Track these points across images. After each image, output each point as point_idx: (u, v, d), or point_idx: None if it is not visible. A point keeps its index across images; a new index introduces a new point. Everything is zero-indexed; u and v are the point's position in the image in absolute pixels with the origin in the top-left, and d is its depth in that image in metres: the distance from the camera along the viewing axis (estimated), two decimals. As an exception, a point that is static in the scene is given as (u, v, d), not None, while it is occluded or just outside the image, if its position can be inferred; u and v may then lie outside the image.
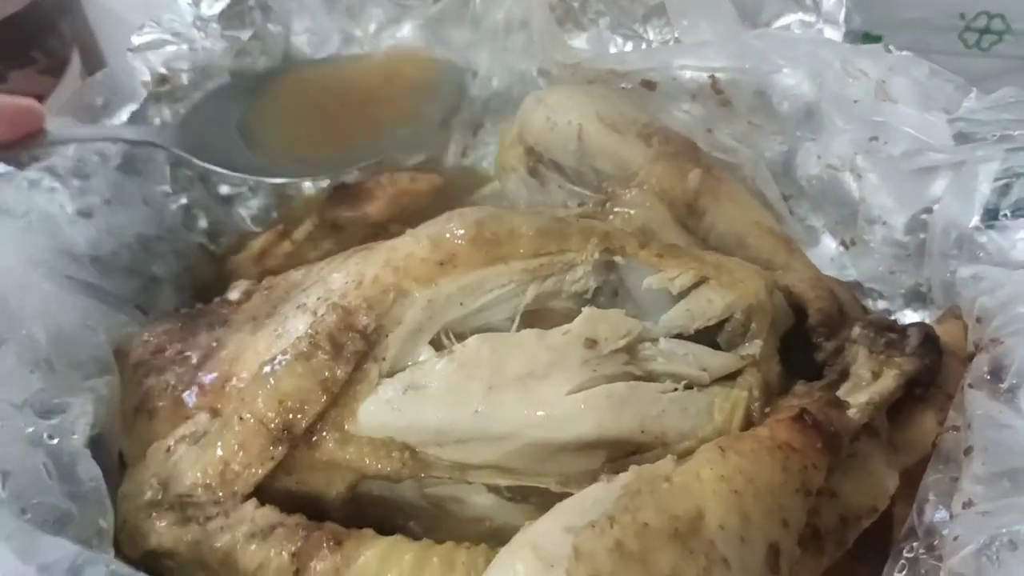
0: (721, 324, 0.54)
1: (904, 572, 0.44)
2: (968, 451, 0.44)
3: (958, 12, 0.98)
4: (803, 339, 0.59)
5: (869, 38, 0.92)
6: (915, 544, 0.45)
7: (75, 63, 1.03)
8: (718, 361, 0.53)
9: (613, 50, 0.73)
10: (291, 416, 0.50)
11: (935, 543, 0.44)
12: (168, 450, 0.52)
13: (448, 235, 0.54)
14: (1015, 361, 0.46)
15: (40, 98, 0.96)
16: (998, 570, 0.39)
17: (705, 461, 0.44)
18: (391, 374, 0.52)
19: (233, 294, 0.60)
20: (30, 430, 0.49)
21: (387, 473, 0.51)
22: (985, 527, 0.40)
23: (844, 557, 0.51)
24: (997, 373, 0.47)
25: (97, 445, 0.53)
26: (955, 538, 0.41)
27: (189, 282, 0.72)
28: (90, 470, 0.50)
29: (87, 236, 0.62)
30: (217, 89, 0.72)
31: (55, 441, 0.50)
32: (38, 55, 0.98)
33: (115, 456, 0.56)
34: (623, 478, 0.44)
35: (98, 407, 0.54)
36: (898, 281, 0.67)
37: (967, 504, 0.42)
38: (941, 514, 0.44)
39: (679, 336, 0.54)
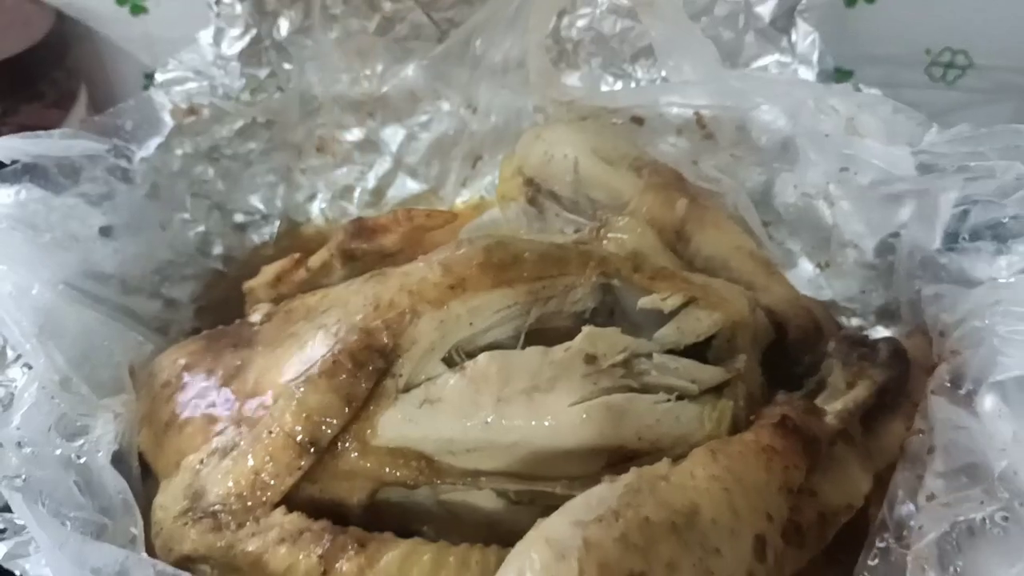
0: (708, 340, 0.59)
1: (876, 561, 0.49)
2: (931, 451, 0.49)
3: (924, 48, 1.04)
4: (784, 354, 0.64)
5: (841, 73, 0.99)
6: (886, 535, 0.49)
7: (82, 97, 1.08)
8: (706, 374, 0.58)
9: (604, 88, 0.78)
10: (317, 429, 0.54)
11: (904, 534, 0.48)
12: (201, 462, 0.56)
13: (458, 261, 0.59)
14: (971, 370, 0.51)
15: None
16: (958, 554, 0.44)
17: (698, 462, 0.49)
18: (407, 389, 0.56)
19: (254, 316, 0.65)
20: (58, 452, 0.54)
21: (404, 480, 0.55)
22: (946, 517, 0.45)
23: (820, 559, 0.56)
24: (956, 381, 0.52)
25: (118, 460, 0.57)
26: (920, 528, 0.46)
27: (205, 305, 0.76)
28: (117, 484, 0.54)
29: (109, 256, 0.66)
30: None
31: (83, 460, 0.55)
32: (47, 89, 1.03)
33: (135, 468, 0.60)
34: (625, 478, 0.49)
35: (116, 425, 0.58)
36: (870, 300, 0.72)
37: (930, 497, 0.47)
38: (908, 508, 0.49)
39: (671, 352, 0.59)
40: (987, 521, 0.45)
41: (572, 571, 0.43)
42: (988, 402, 0.50)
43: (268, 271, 0.70)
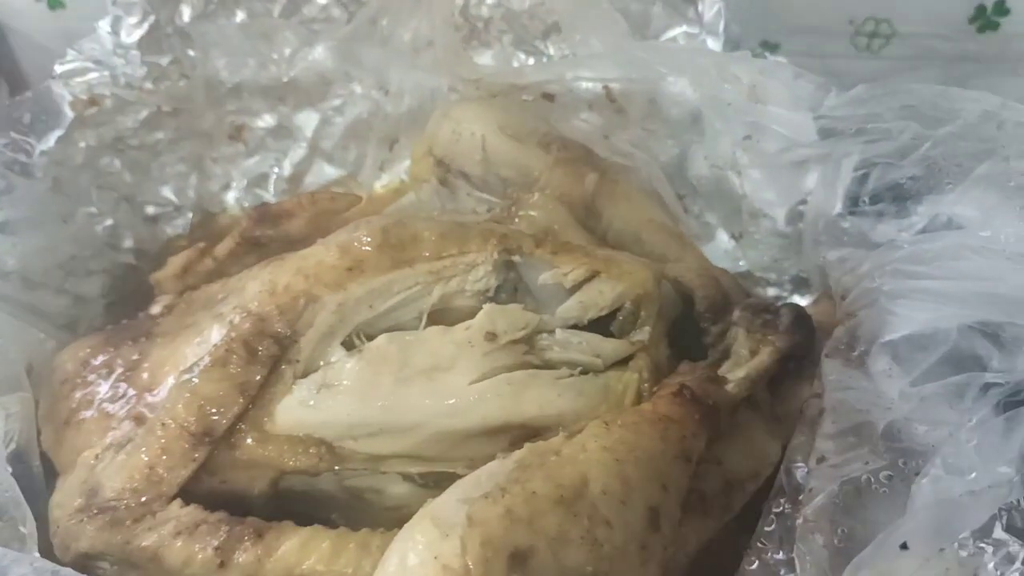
0: (613, 313, 0.59)
1: (773, 526, 0.48)
2: (821, 412, 0.49)
3: (847, 18, 1.04)
4: (692, 324, 0.64)
5: (768, 46, 0.99)
6: (782, 500, 0.49)
7: (2, 93, 1.05)
8: (610, 347, 0.58)
9: (516, 65, 0.77)
10: (210, 419, 0.53)
11: (800, 498, 0.48)
12: (96, 458, 0.55)
13: (356, 242, 0.58)
14: (864, 331, 0.51)
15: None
16: (844, 514, 0.44)
17: (591, 434, 0.49)
18: (305, 375, 0.55)
19: (155, 308, 0.63)
20: None
21: (305, 468, 0.54)
22: (834, 477, 0.46)
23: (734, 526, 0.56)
24: (851, 343, 0.52)
25: (16, 459, 0.56)
26: (810, 490, 0.46)
27: (117, 300, 0.74)
28: (4, 481, 0.53)
29: (9, 251, 0.65)
30: None
31: None
32: (-37, 85, 1.01)
33: (35, 468, 0.59)
34: (517, 454, 0.48)
35: (10, 424, 0.57)
36: (784, 269, 0.72)
37: (820, 460, 0.47)
38: (802, 471, 0.49)
39: (575, 326, 0.58)
40: (872, 480, 0.45)
41: (455, 549, 0.42)
42: (880, 362, 0.50)
43: (174, 262, 0.69)
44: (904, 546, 0.39)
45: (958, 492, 0.40)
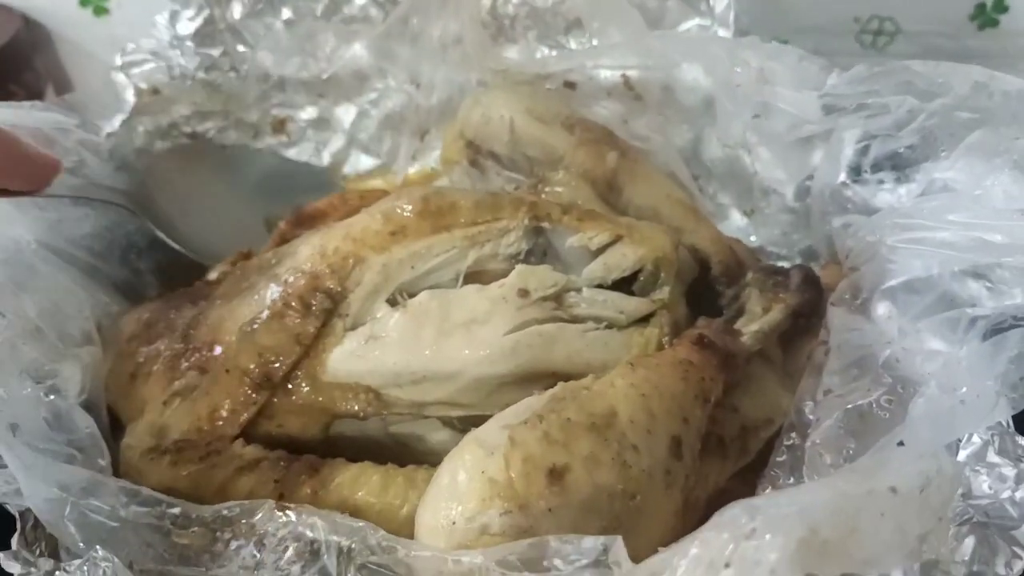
0: (635, 275, 0.63)
1: (784, 457, 0.53)
2: (827, 352, 0.54)
3: (852, 17, 1.09)
4: (709, 288, 0.69)
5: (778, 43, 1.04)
6: (792, 434, 0.54)
7: (50, 96, 1.12)
8: (632, 305, 0.63)
9: (539, 57, 0.83)
10: (270, 366, 0.58)
11: (808, 431, 0.53)
12: (164, 404, 0.60)
13: (398, 209, 0.63)
14: (866, 281, 0.56)
15: (18, 129, 1.04)
16: (848, 437, 0.49)
17: (619, 373, 0.54)
18: (354, 328, 0.60)
19: (212, 275, 0.69)
20: (27, 391, 0.57)
21: (354, 412, 0.59)
22: (839, 406, 0.50)
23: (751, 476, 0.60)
24: (854, 293, 0.57)
25: (87, 408, 0.60)
26: (817, 419, 0.51)
27: (167, 277, 0.80)
28: (84, 420, 0.57)
29: (81, 220, 0.70)
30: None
31: (51, 398, 0.58)
32: (16, 89, 1.07)
33: (104, 418, 0.63)
34: (551, 391, 0.53)
35: (84, 373, 0.61)
36: (794, 242, 0.77)
37: (827, 392, 0.52)
38: (810, 406, 0.54)
39: (599, 286, 0.63)
40: (874, 405, 0.49)
41: (499, 465, 0.47)
42: (880, 308, 0.55)
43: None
44: (900, 443, 0.43)
45: (950, 404, 0.44)
